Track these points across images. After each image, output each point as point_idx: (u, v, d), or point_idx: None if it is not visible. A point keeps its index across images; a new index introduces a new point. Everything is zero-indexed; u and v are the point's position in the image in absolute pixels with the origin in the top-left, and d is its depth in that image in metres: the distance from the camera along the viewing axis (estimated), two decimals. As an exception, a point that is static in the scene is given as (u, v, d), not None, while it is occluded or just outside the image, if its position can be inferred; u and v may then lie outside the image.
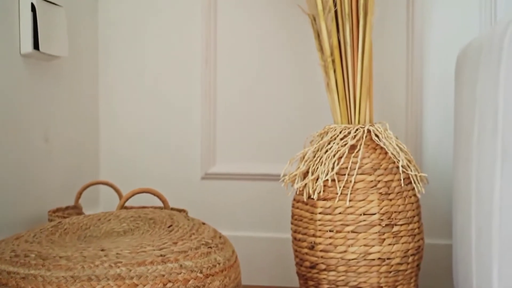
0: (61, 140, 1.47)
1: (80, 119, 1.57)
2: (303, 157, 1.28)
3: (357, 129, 1.24)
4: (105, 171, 1.68)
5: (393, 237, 1.19)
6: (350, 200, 1.19)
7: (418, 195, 1.25)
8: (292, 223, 1.29)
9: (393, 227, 1.19)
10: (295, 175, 1.26)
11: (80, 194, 1.43)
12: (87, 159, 1.61)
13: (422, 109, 1.53)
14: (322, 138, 1.28)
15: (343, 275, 1.19)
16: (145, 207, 1.46)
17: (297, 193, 1.28)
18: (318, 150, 1.26)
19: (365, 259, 1.18)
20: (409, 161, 1.25)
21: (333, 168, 1.21)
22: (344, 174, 1.21)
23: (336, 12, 1.29)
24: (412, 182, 1.25)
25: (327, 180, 1.21)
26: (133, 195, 1.25)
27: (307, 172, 1.26)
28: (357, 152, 1.22)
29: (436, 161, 1.52)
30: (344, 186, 1.20)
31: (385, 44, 1.54)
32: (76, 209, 1.43)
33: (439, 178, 1.51)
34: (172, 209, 1.45)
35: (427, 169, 1.51)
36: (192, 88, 1.64)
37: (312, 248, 1.22)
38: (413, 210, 1.23)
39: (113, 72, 1.67)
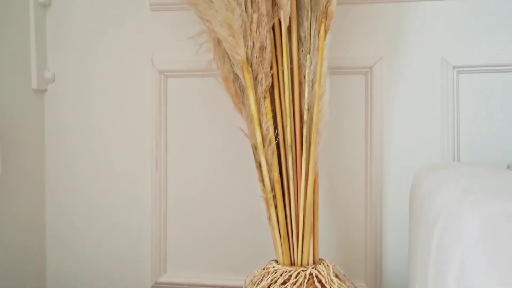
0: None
1: (24, 240, 1.49)
2: (243, 299, 1.19)
3: (298, 273, 1.16)
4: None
5: None
6: None
7: None
8: None
9: None
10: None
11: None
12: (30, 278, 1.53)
13: (382, 238, 1.44)
14: (262, 278, 1.19)
15: None
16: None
17: None
18: (257, 295, 1.17)
19: None
20: (354, 307, 1.16)
21: (269, 321, 1.12)
22: (282, 326, 1.12)
23: (278, 143, 1.20)
24: (358, 330, 1.16)
25: (264, 333, 1.12)
26: None
27: (246, 317, 1.18)
28: (297, 299, 1.14)
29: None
30: None
31: (341, 169, 1.46)
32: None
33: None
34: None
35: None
36: (142, 193, 1.55)
37: None
38: None
39: (60, 191, 1.59)
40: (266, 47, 1.16)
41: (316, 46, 1.19)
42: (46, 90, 1.58)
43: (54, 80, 1.59)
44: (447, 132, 1.41)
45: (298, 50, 1.22)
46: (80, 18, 1.57)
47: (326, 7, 1.17)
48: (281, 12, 1.18)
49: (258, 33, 1.16)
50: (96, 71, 1.57)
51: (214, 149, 1.52)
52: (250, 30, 1.15)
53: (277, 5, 1.20)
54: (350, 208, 1.46)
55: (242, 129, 1.26)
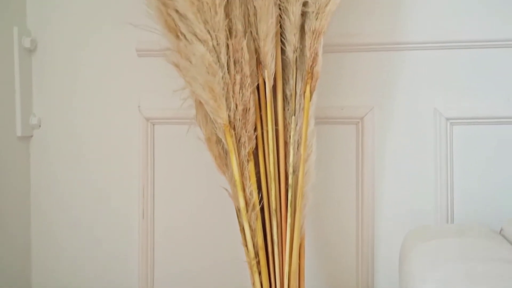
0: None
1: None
2: None
3: None
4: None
5: None
6: None
7: None
8: None
9: None
10: None
11: None
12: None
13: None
14: None
15: None
16: None
17: None
18: None
19: None
20: None
21: None
22: None
23: (262, 207, 1.16)
24: None
25: None
26: None
27: None
28: None
29: None
30: None
31: (331, 221, 1.42)
32: None
33: None
34: None
35: None
36: (129, 243, 1.52)
37: None
38: None
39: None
40: (249, 109, 1.13)
41: (301, 106, 1.16)
42: (31, 136, 1.55)
43: (40, 125, 1.55)
44: (441, 184, 1.37)
45: (284, 109, 1.19)
46: (67, 62, 1.54)
47: (311, 67, 1.13)
48: (265, 71, 1.15)
49: (241, 95, 1.12)
50: (82, 116, 1.53)
51: (202, 197, 1.49)
52: (233, 91, 1.12)
53: (261, 63, 1.16)
54: (341, 262, 1.42)
55: (226, 189, 1.22)
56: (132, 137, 1.51)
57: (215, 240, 1.48)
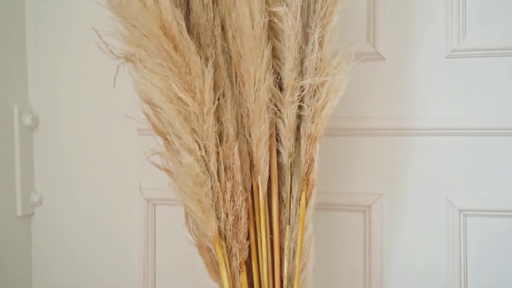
0: None
1: None
2: None
3: None
4: None
5: None
6: None
7: None
8: None
9: None
10: None
11: None
12: None
13: None
14: None
15: None
16: None
17: None
18: None
19: None
20: None
21: None
22: None
23: (255, 320, 1.10)
24: None
25: None
26: None
27: None
28: None
29: None
30: None
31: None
32: None
33: None
34: None
35: None
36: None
37: None
38: None
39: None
40: (241, 218, 1.07)
41: (297, 212, 1.09)
42: (33, 213, 1.53)
43: (41, 203, 1.53)
44: (454, 280, 1.28)
45: (280, 212, 1.12)
46: (69, 139, 1.51)
47: (307, 174, 1.07)
48: (259, 177, 1.08)
49: (232, 203, 1.06)
50: (85, 193, 1.50)
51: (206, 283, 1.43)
52: (224, 200, 1.06)
53: (255, 167, 1.10)
54: None
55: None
56: (132, 218, 1.47)
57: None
